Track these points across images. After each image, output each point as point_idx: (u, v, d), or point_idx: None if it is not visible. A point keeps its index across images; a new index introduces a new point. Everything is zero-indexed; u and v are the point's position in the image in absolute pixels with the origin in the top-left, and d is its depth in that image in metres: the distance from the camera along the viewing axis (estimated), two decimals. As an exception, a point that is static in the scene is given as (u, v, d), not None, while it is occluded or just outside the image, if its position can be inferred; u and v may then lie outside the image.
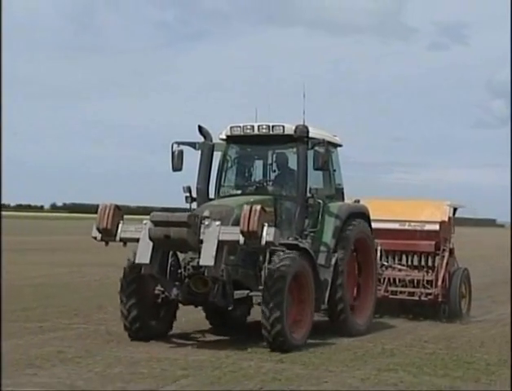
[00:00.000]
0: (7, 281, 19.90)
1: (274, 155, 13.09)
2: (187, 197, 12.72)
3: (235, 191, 13.00)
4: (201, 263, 10.67)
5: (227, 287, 11.24)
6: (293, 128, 12.45)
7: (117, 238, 11.32)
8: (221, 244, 10.61)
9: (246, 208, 10.62)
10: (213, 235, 10.61)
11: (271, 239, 10.54)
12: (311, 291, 11.60)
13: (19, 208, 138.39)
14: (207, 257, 10.53)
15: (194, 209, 12.22)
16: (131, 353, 10.69)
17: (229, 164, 13.12)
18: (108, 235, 11.33)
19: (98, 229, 11.35)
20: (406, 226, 15.21)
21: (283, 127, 12.54)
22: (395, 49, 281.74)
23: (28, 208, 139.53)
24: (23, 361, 9.93)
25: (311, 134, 12.48)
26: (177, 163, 12.73)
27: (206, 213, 11.08)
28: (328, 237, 12.63)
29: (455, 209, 15.65)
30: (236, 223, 10.84)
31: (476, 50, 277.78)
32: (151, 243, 10.86)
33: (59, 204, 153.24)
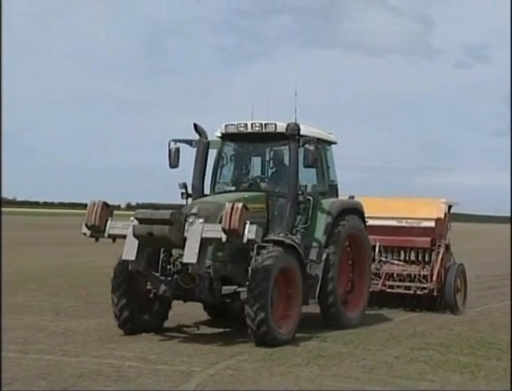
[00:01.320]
0: (90, 270, 20.28)
1: (267, 153, 11.79)
2: (182, 193, 11.45)
3: (229, 188, 11.64)
4: (184, 260, 9.51)
5: (214, 283, 10.07)
6: (285, 126, 11.17)
7: (106, 234, 10.14)
8: (204, 242, 9.47)
9: (228, 205, 9.44)
10: (196, 232, 9.45)
11: (252, 236, 9.36)
12: (298, 286, 10.36)
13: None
14: (190, 255, 9.38)
15: (183, 206, 10.95)
16: (196, 332, 10.78)
17: (224, 162, 11.80)
18: (96, 231, 10.17)
19: (86, 225, 10.20)
20: (403, 223, 14.10)
21: (275, 125, 11.23)
22: (423, 68, 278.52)
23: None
24: (104, 337, 10.11)
25: (303, 132, 11.19)
26: (173, 160, 11.47)
27: (194, 210, 9.92)
28: (319, 233, 11.30)
29: (450, 207, 14.46)
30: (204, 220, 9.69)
31: (497, 67, 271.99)
32: (137, 241, 9.75)
33: (133, 203, 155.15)
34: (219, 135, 11.80)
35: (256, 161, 11.93)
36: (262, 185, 11.55)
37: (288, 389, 7.52)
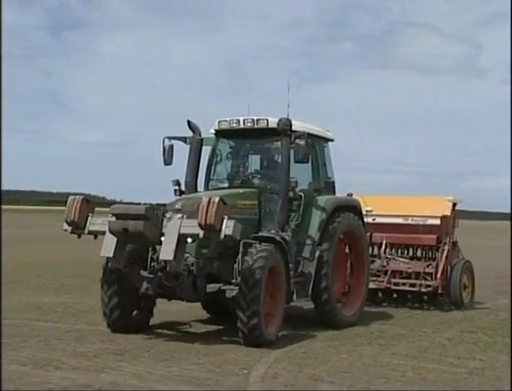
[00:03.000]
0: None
1: (260, 149, 10.21)
2: (175, 190, 9.80)
3: (222, 185, 10.01)
4: (161, 257, 8.04)
5: (197, 280, 8.46)
6: (277, 121, 9.52)
7: (86, 231, 8.61)
8: (182, 238, 7.95)
9: (204, 200, 7.92)
10: (174, 228, 7.96)
11: (230, 232, 7.80)
12: (283, 284, 8.73)
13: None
14: (167, 251, 7.89)
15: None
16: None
17: (217, 158, 10.16)
18: (76, 227, 8.61)
19: (66, 221, 8.63)
20: (409, 221, 12.40)
21: (267, 121, 9.59)
22: (472, 85, 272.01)
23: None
24: (193, 318, 10.19)
25: (295, 128, 9.50)
26: (167, 157, 9.87)
27: (178, 206, 8.50)
28: (313, 230, 9.66)
29: (454, 204, 12.51)
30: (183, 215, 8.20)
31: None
32: (116, 237, 8.22)
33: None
34: (213, 132, 10.21)
35: (249, 157, 10.27)
36: (255, 181, 9.87)
37: (352, 365, 7.46)
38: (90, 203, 8.71)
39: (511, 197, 22.11)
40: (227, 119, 9.90)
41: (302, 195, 9.67)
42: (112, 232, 8.18)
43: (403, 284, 12.06)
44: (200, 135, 10.09)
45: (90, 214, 8.67)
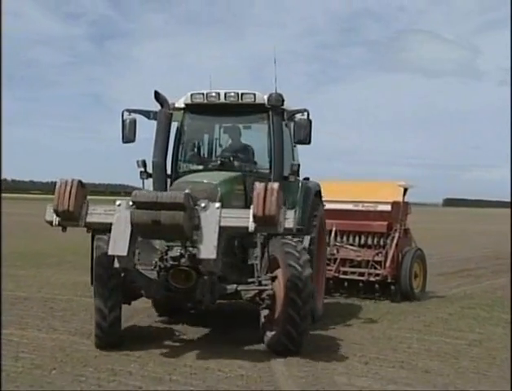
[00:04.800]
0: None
1: (242, 127, 8.16)
2: (141, 172, 7.61)
3: (195, 167, 7.90)
4: (202, 256, 5.90)
5: (215, 281, 6.52)
6: (266, 96, 7.56)
7: (82, 223, 6.22)
8: (222, 232, 5.97)
9: (259, 186, 5.95)
10: (213, 220, 5.94)
11: (290, 225, 5.92)
12: None
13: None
14: (208, 249, 5.85)
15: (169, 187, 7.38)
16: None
17: (188, 137, 8.01)
18: (69, 218, 6.17)
19: (56, 211, 6.16)
20: (360, 207, 10.74)
21: (254, 95, 7.59)
22: (472, 86, 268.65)
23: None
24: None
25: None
26: (128, 133, 7.63)
27: (187, 192, 6.21)
28: (306, 218, 7.93)
29: (405, 190, 10.72)
30: (221, 204, 6.17)
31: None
32: (128, 231, 5.96)
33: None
34: (181, 106, 7.99)
35: (227, 136, 8.24)
36: (236, 163, 7.82)
37: (363, 337, 7.49)
38: (85, 187, 6.34)
39: (511, 187, 21.81)
40: (204, 92, 7.77)
41: (301, 180, 7.98)
42: (135, 225, 5.93)
43: (352, 273, 10.46)
44: (169, 109, 7.77)
45: (85, 202, 6.31)
